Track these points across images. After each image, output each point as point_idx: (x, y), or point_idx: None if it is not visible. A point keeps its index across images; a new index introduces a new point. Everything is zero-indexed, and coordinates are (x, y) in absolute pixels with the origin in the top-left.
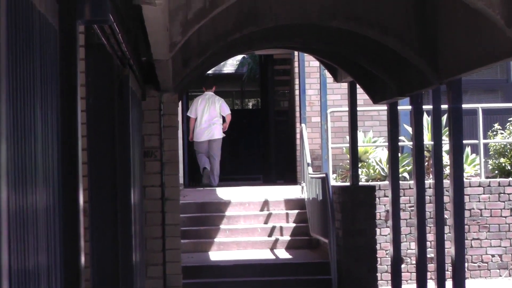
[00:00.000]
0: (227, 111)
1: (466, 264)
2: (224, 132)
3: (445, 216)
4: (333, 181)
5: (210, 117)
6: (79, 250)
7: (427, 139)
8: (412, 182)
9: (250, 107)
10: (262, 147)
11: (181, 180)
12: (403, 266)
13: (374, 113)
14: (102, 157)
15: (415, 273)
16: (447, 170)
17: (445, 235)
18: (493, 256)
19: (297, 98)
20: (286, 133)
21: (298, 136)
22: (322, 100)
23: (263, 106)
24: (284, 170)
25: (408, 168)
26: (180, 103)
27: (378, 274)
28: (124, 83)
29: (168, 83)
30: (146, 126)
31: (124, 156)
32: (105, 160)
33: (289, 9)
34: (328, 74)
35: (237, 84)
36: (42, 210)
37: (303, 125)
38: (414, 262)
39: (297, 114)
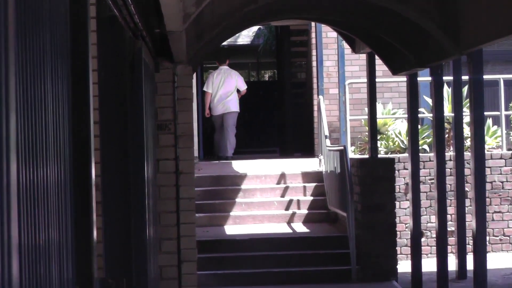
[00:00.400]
0: (243, 86)
1: (487, 238)
2: (241, 95)
3: (466, 189)
4: (352, 154)
5: (226, 90)
6: (91, 225)
7: (448, 111)
8: (432, 154)
9: (266, 79)
10: (279, 119)
11: (195, 153)
12: (423, 240)
13: (393, 85)
14: (114, 130)
15: (435, 247)
16: (468, 142)
17: (466, 208)
18: None
19: (314, 69)
20: (303, 105)
21: (315, 108)
22: (340, 71)
23: (279, 78)
24: (301, 143)
25: (428, 141)
26: (194, 76)
27: (398, 248)
28: (137, 55)
29: (181, 55)
30: (159, 99)
31: (137, 129)
32: (118, 133)
33: None
34: (346, 45)
35: (252, 56)
36: (53, 185)
37: (320, 97)
38: (434, 235)
39: (315, 85)
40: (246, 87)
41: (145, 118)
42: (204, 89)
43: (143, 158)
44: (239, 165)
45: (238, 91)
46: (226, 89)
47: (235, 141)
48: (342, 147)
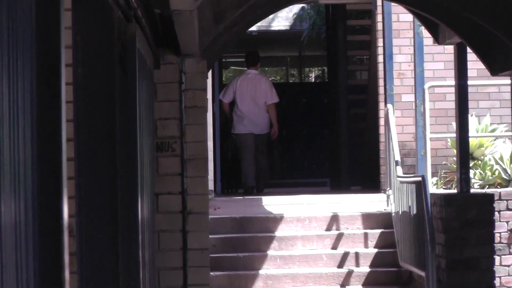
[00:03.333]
0: (271, 99)
1: None
2: (273, 134)
3: None
4: (433, 188)
5: (254, 103)
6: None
7: None
8: None
9: (312, 80)
10: (330, 139)
11: (211, 186)
12: None
13: (492, 90)
14: (96, 152)
15: None
16: None
17: None
18: None
19: (380, 67)
20: (365, 118)
21: (381, 122)
22: (417, 70)
23: (330, 79)
24: (360, 172)
25: None
26: (210, 74)
27: None
28: (129, 45)
29: (192, 45)
30: (160, 107)
31: (128, 150)
32: (101, 156)
33: None
34: (426, 33)
35: (293, 47)
36: (9, 228)
37: (389, 105)
38: None
39: (381, 90)
40: (276, 100)
41: (139, 134)
42: (220, 97)
43: (136, 192)
44: (273, 203)
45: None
46: (254, 100)
47: (268, 170)
48: (419, 178)
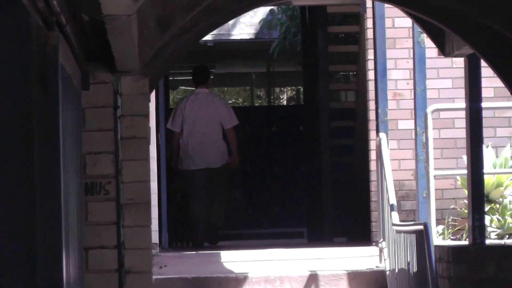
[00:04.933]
0: (230, 122)
1: None
2: (232, 163)
3: None
4: (438, 238)
5: (206, 130)
6: None
7: None
8: None
9: (285, 103)
10: (307, 177)
11: (154, 237)
12: None
13: None
14: (9, 197)
15: None
16: None
17: None
18: None
19: (371, 85)
20: (351, 151)
21: (373, 155)
22: (417, 89)
23: (308, 101)
24: (346, 219)
25: None
26: (154, 96)
27: None
28: (50, 59)
29: (130, 59)
30: (90, 138)
31: (48, 194)
32: (15, 206)
33: None
34: (429, 42)
35: (259, 61)
36: None
37: (382, 135)
38: None
39: (372, 115)
40: (235, 122)
41: (63, 173)
42: (168, 126)
43: (59, 247)
44: (235, 260)
45: (225, 133)
46: (207, 127)
47: (225, 213)
48: (421, 227)
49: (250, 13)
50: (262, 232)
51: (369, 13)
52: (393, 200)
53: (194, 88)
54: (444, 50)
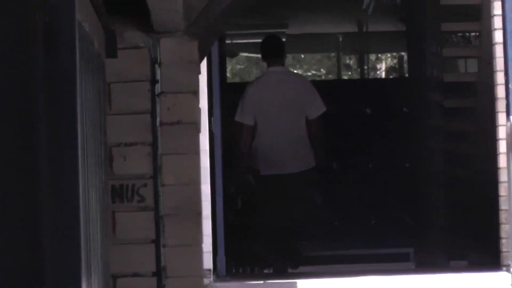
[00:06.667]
0: (316, 110)
1: None
2: (319, 161)
3: None
4: None
5: (285, 123)
6: None
7: None
8: None
9: (383, 75)
10: (413, 177)
11: (207, 261)
12: None
13: None
14: (9, 198)
15: None
16: None
17: None
18: None
19: (498, 50)
20: (471, 138)
21: (502, 146)
22: None
23: (413, 73)
24: (466, 234)
25: None
26: (205, 65)
27: None
28: (62, 11)
29: (172, 14)
30: (118, 124)
31: (60, 202)
32: (16, 210)
33: None
34: None
35: (349, 19)
36: None
37: None
38: None
39: (500, 91)
40: (323, 109)
41: (82, 172)
42: (237, 118)
43: (77, 273)
44: None
45: (307, 121)
46: (286, 118)
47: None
48: None
49: None
50: (353, 254)
51: None
52: None
53: (259, 55)
54: None
